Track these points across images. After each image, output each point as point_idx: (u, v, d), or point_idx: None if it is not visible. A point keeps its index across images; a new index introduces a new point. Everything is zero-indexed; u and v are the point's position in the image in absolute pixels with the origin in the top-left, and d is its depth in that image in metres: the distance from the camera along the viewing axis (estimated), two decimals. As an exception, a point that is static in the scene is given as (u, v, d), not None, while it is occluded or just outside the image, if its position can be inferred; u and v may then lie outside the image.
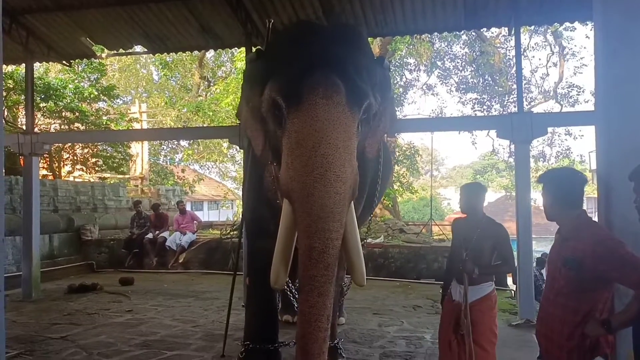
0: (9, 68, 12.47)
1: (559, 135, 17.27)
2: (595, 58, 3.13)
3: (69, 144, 14.19)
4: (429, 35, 13.04)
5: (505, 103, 16.04)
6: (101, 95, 14.92)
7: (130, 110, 18.66)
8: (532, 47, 16.63)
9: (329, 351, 4.02)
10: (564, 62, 16.23)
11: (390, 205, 13.35)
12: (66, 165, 15.23)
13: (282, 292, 4.59)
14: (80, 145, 14.73)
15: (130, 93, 23.49)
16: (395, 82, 14.44)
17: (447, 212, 29.30)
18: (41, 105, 12.99)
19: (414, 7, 6.42)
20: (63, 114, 13.85)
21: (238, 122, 4.38)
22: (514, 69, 8.05)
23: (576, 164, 19.50)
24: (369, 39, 10.64)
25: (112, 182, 15.25)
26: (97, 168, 15.76)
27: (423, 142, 21.33)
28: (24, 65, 8.35)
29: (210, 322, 5.91)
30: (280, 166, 3.02)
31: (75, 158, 15.02)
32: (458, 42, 16.36)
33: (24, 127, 9.83)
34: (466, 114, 16.50)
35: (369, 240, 9.61)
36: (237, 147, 9.98)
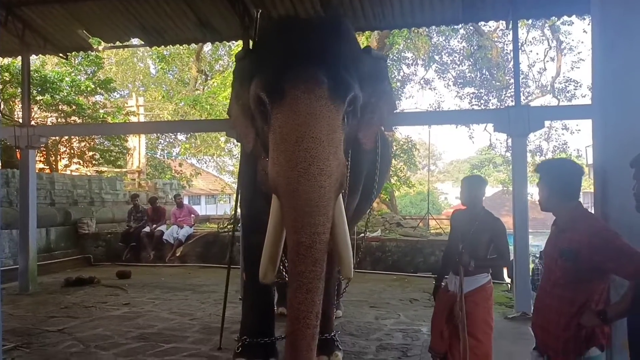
0: (5, 61, 12.42)
1: (555, 130, 17.32)
2: (593, 51, 3.12)
3: (66, 137, 14.14)
4: (427, 29, 13.06)
5: (502, 97, 16.05)
6: (98, 88, 14.86)
7: (127, 103, 18.61)
8: (530, 41, 16.65)
9: (326, 343, 4.08)
10: (562, 57, 16.24)
11: (387, 199, 13.38)
12: (63, 158, 15.19)
13: (278, 285, 4.60)
14: (77, 138, 14.69)
15: (127, 87, 23.44)
16: (392, 76, 14.42)
17: (444, 207, 29.38)
18: (38, 98, 12.94)
19: (411, 0, 6.41)
20: (60, 107, 13.80)
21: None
22: (512, 63, 8.04)
23: (573, 159, 19.53)
24: (368, 32, 10.65)
25: (109, 175, 15.24)
26: (94, 161, 15.72)
27: (420, 137, 21.39)
28: (20, 58, 8.31)
29: (207, 315, 5.92)
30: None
31: (72, 151, 14.98)
32: (456, 36, 16.36)
33: (20, 120, 9.79)
34: (464, 108, 16.51)
35: (367, 233, 9.63)
36: (235, 141, 9.97)
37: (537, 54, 28.68)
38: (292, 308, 2.69)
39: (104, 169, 16.27)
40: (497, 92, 16.36)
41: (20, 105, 11.80)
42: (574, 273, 2.16)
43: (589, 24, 11.01)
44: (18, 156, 8.02)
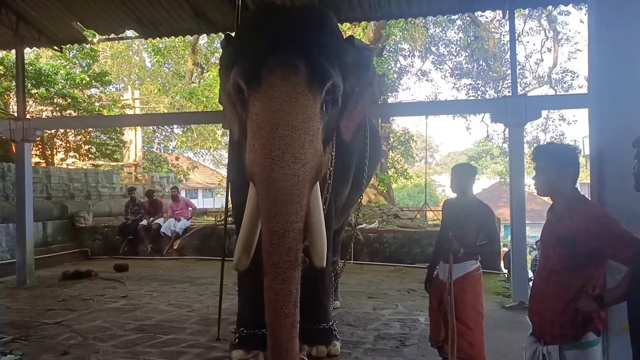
0: (-1, 54, 12.33)
1: (552, 121, 17.33)
2: (589, 39, 3.12)
3: (62, 130, 14.08)
4: (423, 20, 13.01)
5: (499, 89, 16.03)
6: (93, 81, 14.78)
7: (123, 97, 18.52)
8: (527, 32, 16.62)
9: (324, 333, 4.09)
10: (558, 47, 16.22)
11: (385, 191, 13.39)
12: (59, 152, 15.13)
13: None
14: (73, 132, 14.63)
15: (122, 80, 23.31)
16: (389, 67, 14.38)
17: (442, 199, 29.35)
18: (33, 91, 12.86)
19: (407, -10, 6.38)
20: (55, 100, 13.72)
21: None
22: (509, 54, 8.03)
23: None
24: (364, 22, 10.60)
25: (105, 169, 15.19)
26: (90, 155, 15.67)
27: (417, 129, 21.32)
28: (14, 50, 8.25)
29: (205, 307, 5.93)
30: None
31: (68, 145, 14.92)
32: (452, 27, 16.32)
33: (15, 114, 9.74)
34: (460, 99, 16.49)
35: (364, 225, 9.66)
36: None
37: (534, 44, 28.87)
38: (269, 299, 2.70)
39: (100, 162, 16.22)
40: (494, 83, 16.35)
41: (14, 99, 11.74)
42: (571, 259, 2.16)
43: (585, 14, 10.99)
44: (14, 150, 7.97)
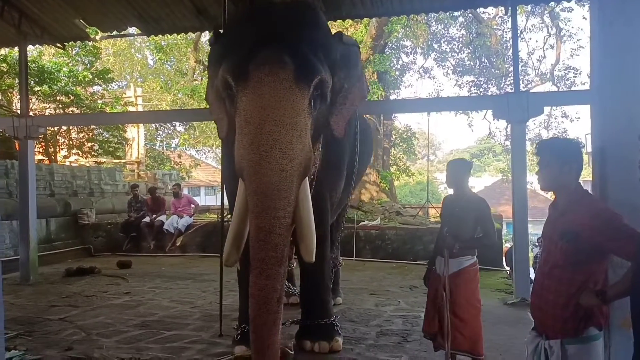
0: (2, 51, 12.36)
1: (555, 118, 17.23)
2: (592, 34, 3.11)
3: (65, 128, 14.12)
4: (426, 17, 12.98)
5: (502, 86, 15.95)
6: (96, 79, 14.81)
7: (125, 94, 18.55)
8: (529, 28, 16.51)
9: (326, 328, 4.11)
10: (561, 44, 16.12)
11: (387, 189, 13.36)
12: (62, 149, 15.18)
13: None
14: (76, 129, 14.67)
15: (125, 78, 23.33)
16: (391, 64, 14.33)
17: (444, 196, 29.35)
18: (36, 89, 12.90)
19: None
20: (58, 97, 13.76)
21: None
22: (511, 50, 8.00)
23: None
24: (366, 19, 10.58)
25: (108, 166, 15.23)
26: (93, 152, 15.71)
27: (420, 126, 21.36)
28: (17, 48, 8.27)
29: (207, 303, 5.95)
30: None
31: (71, 142, 14.97)
32: (455, 24, 16.23)
33: (18, 111, 9.76)
34: (463, 95, 16.44)
35: (366, 222, 9.67)
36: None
37: (537, 41, 28.72)
38: (254, 294, 2.71)
39: (103, 159, 16.26)
40: (496, 80, 16.28)
41: (18, 96, 11.76)
42: (574, 254, 2.16)
43: (588, 10, 10.95)
44: (17, 147, 8.00)
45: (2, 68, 12.59)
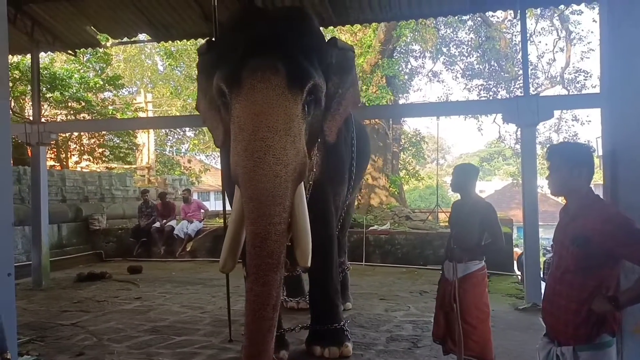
0: (14, 58, 12.49)
1: (565, 121, 17.10)
2: (601, 38, 3.11)
3: (76, 134, 14.25)
4: (434, 21, 12.95)
5: (511, 89, 15.89)
6: (107, 85, 14.94)
7: (135, 100, 18.70)
8: (539, 32, 16.42)
9: (336, 334, 4.10)
10: (571, 47, 16.03)
11: (396, 193, 13.33)
12: (73, 155, 15.32)
13: (285, 277, 4.62)
14: (87, 135, 14.80)
15: (135, 84, 23.54)
16: (400, 69, 14.33)
17: (453, 200, 29.22)
18: (47, 95, 13.04)
19: (418, -9, 6.37)
20: (69, 104, 13.91)
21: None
22: (520, 54, 7.97)
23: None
24: (374, 24, 10.58)
25: (119, 172, 15.34)
26: (104, 158, 15.84)
27: (429, 130, 21.29)
28: (29, 55, 8.37)
29: (217, 308, 5.96)
30: None
31: (82, 148, 15.11)
32: (463, 27, 16.20)
33: (31, 118, 9.87)
34: (472, 99, 16.38)
35: (376, 227, 9.65)
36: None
37: (546, 44, 28.60)
38: (249, 300, 2.72)
39: (113, 165, 16.40)
40: (506, 84, 16.20)
41: (30, 103, 11.90)
42: (585, 259, 2.14)
43: (598, 13, 10.89)
44: (29, 153, 8.09)
45: (14, 75, 12.72)
